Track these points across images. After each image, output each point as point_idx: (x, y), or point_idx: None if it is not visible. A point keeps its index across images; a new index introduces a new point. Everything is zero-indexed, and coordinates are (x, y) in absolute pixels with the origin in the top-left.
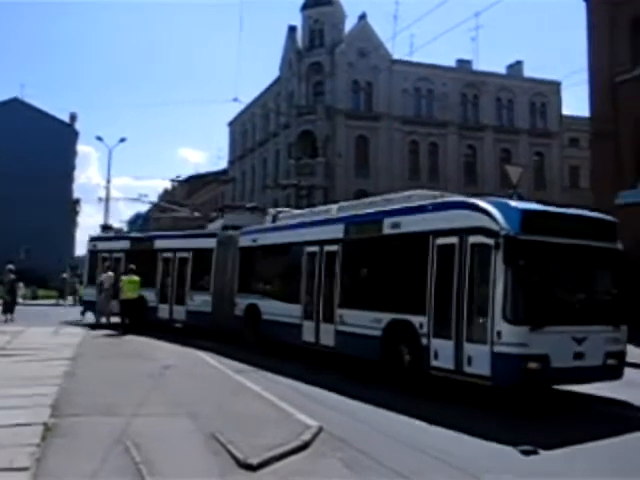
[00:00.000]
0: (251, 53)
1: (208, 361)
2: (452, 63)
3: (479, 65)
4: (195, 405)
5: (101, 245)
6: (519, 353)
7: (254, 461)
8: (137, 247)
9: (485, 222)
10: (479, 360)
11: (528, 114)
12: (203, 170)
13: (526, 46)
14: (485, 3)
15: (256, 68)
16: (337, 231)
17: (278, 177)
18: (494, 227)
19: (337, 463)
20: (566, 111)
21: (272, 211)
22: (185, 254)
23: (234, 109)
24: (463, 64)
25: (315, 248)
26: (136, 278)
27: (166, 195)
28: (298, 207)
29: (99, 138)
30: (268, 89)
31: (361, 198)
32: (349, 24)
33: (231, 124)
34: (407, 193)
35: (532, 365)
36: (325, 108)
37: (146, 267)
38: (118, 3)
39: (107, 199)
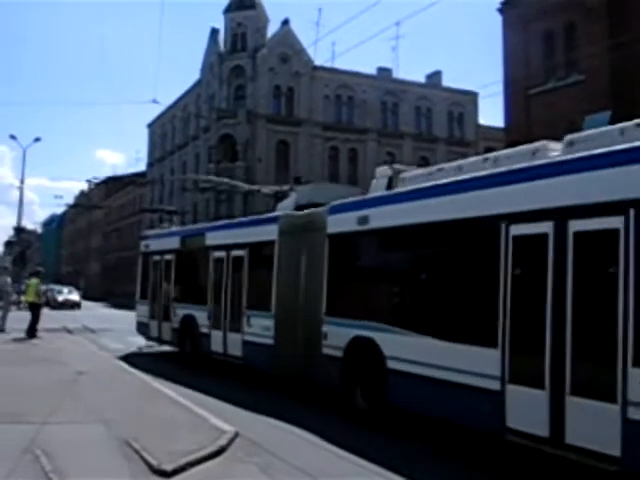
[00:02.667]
0: (172, 54)
1: (125, 368)
2: (373, 71)
3: (399, 74)
4: (109, 411)
5: (154, 244)
6: None
7: (168, 467)
8: (188, 245)
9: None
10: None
11: (446, 123)
12: (121, 172)
13: (445, 56)
14: (406, 13)
15: (177, 69)
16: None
17: (198, 180)
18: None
19: (253, 468)
20: (482, 121)
21: (385, 170)
22: (240, 252)
23: (153, 110)
24: (384, 72)
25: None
26: (34, 281)
27: (83, 197)
28: (217, 212)
29: (12, 137)
30: (189, 91)
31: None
32: (272, 29)
33: (150, 126)
34: None
35: None
36: (246, 112)
37: (198, 273)
38: None
39: (21, 199)
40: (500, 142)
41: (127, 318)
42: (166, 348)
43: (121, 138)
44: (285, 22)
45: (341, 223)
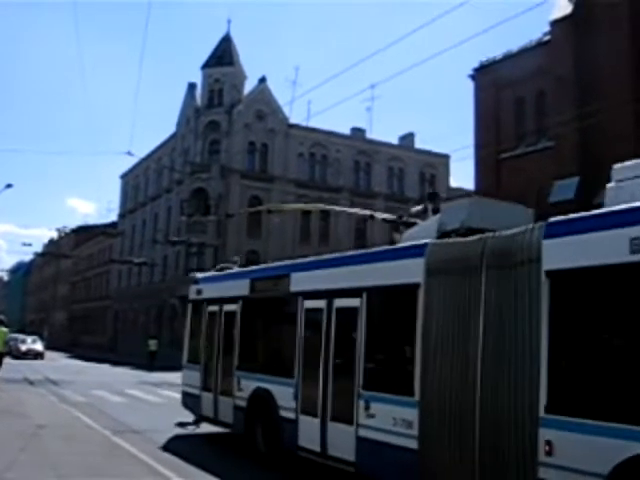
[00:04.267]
0: (149, 107)
1: (87, 422)
2: (347, 131)
3: (373, 134)
4: (66, 468)
5: (210, 290)
6: None
7: None
8: (262, 291)
9: None
10: None
11: (418, 184)
12: (92, 221)
13: (418, 119)
14: (381, 76)
15: (153, 122)
16: None
17: (169, 233)
18: None
19: None
20: (454, 183)
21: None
22: (351, 301)
23: (127, 161)
24: (358, 132)
25: None
26: (3, 329)
27: (52, 245)
28: (187, 265)
29: None
30: (164, 144)
31: (252, 259)
32: (249, 86)
33: (124, 177)
34: None
35: None
36: (220, 167)
37: (278, 331)
38: (22, 46)
39: None
40: None
41: (92, 370)
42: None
43: (93, 188)
44: (262, 80)
45: (586, 252)
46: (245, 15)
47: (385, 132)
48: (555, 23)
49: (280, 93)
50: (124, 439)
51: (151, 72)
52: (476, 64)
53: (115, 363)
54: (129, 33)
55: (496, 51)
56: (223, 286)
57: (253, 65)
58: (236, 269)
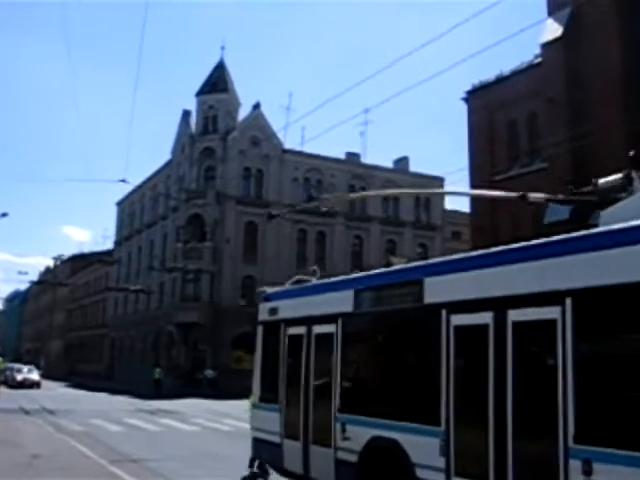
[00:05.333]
0: (144, 134)
1: (83, 451)
2: (342, 155)
3: (367, 158)
4: None
5: (289, 308)
6: None
7: None
8: (374, 305)
9: None
10: None
11: (413, 207)
12: (87, 249)
13: (412, 142)
14: (374, 100)
15: (148, 149)
16: None
17: (165, 260)
18: None
19: None
20: (449, 206)
21: None
22: (545, 313)
23: (122, 189)
24: (352, 157)
25: None
26: None
27: (48, 273)
28: (184, 292)
29: None
30: (159, 171)
31: (248, 284)
32: (243, 112)
33: (120, 204)
34: None
35: None
36: (215, 193)
37: (405, 359)
38: (13, 73)
39: None
40: (466, 226)
41: (89, 399)
42: None
43: (88, 215)
44: (256, 106)
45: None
46: (239, 41)
47: (379, 156)
48: (546, 45)
49: (274, 119)
50: (121, 468)
51: (145, 99)
52: (469, 87)
53: (113, 391)
54: (122, 60)
55: (489, 73)
56: (309, 302)
57: (247, 91)
58: (329, 280)
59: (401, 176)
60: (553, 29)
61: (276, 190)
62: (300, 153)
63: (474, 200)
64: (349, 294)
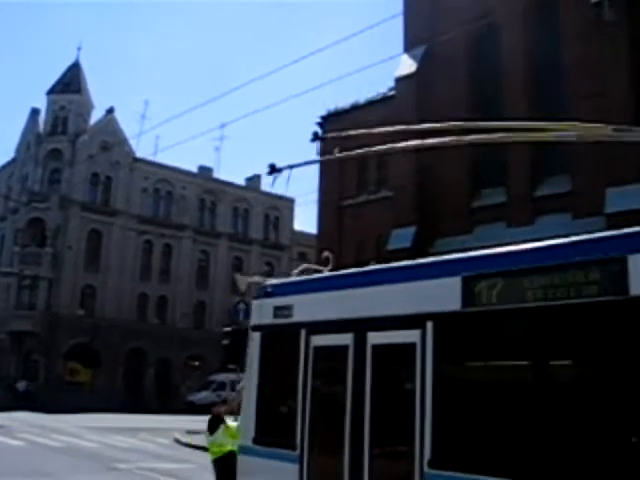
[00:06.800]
0: None
1: None
2: (194, 169)
3: (220, 174)
4: None
5: (311, 307)
6: None
7: None
8: (517, 298)
9: None
10: None
11: (262, 226)
12: None
13: (266, 160)
14: (232, 115)
15: None
16: None
17: (0, 264)
18: None
19: None
20: (298, 227)
21: None
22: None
23: None
24: (205, 171)
25: None
26: None
27: None
28: (19, 299)
29: None
30: (1, 169)
31: (88, 292)
32: (96, 116)
33: None
34: None
35: None
36: (60, 197)
37: (566, 390)
38: None
39: None
40: (313, 248)
41: None
42: None
43: None
44: (110, 110)
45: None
46: (97, 44)
47: (233, 172)
48: (400, 80)
49: (128, 126)
50: None
51: None
52: (324, 112)
53: None
54: None
55: (347, 100)
56: (356, 297)
57: (102, 95)
58: (396, 264)
59: (253, 194)
60: (407, 65)
61: (124, 199)
62: (152, 163)
63: (322, 222)
64: (450, 284)
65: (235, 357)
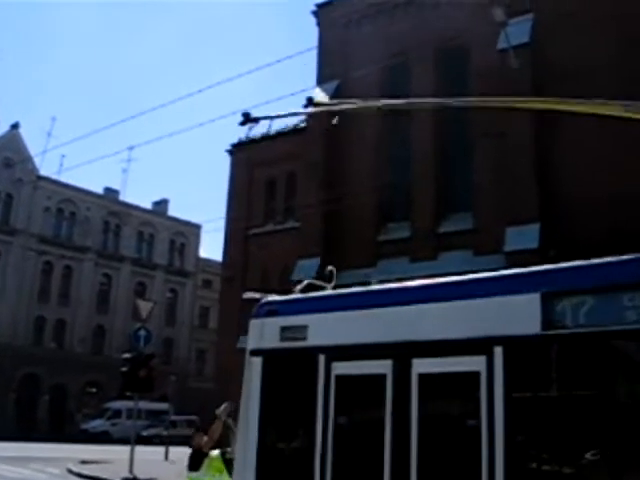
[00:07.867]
0: None
1: None
2: (100, 190)
3: (126, 197)
4: None
5: (331, 328)
6: None
7: None
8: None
9: None
10: None
11: (167, 251)
12: None
13: (174, 186)
14: (141, 138)
15: None
16: None
17: None
18: None
19: None
20: (203, 254)
21: None
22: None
23: None
24: (110, 193)
25: None
26: None
27: None
28: None
29: None
30: None
31: None
32: (0, 131)
33: None
34: None
35: None
36: None
37: None
38: None
39: None
40: (218, 275)
41: None
42: None
43: None
44: (15, 125)
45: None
46: (4, 56)
47: (140, 196)
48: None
49: (33, 142)
50: None
51: None
52: (235, 140)
53: None
54: None
55: (258, 129)
56: (393, 316)
57: (7, 109)
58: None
59: (159, 218)
60: (319, 98)
61: (25, 217)
62: (56, 182)
63: (228, 250)
64: (527, 301)
65: (133, 384)
